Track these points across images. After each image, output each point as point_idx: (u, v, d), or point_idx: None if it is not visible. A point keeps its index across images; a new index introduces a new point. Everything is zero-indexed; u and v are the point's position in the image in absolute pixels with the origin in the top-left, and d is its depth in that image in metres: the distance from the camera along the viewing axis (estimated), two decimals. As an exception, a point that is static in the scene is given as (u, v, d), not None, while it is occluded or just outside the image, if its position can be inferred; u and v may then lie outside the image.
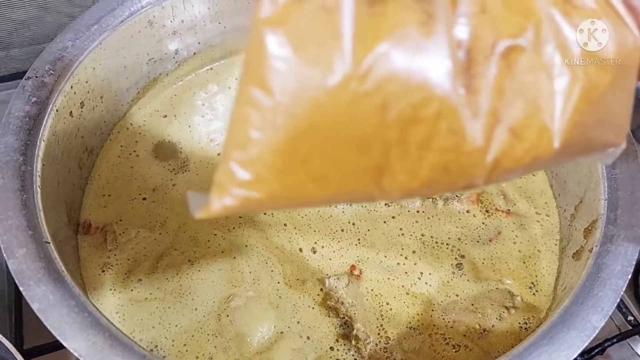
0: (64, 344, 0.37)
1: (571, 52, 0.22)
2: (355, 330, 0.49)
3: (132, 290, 0.50)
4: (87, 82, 0.53)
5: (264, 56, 0.20)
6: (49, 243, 0.42)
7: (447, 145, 0.22)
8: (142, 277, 0.51)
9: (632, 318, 0.59)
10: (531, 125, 0.23)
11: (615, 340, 0.56)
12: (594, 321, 0.40)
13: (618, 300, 0.41)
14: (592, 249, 0.45)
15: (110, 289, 0.50)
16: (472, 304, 0.51)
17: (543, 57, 0.22)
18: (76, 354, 0.37)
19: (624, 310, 0.59)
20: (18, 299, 0.55)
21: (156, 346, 0.47)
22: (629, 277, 0.42)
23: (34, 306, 0.38)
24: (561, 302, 0.43)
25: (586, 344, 0.39)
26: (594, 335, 0.40)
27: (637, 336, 0.63)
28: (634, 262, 0.43)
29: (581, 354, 0.56)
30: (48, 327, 0.38)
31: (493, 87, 0.22)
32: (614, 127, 0.26)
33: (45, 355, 0.50)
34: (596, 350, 0.57)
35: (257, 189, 0.22)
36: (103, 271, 0.51)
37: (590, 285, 0.42)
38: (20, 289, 0.39)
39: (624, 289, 0.42)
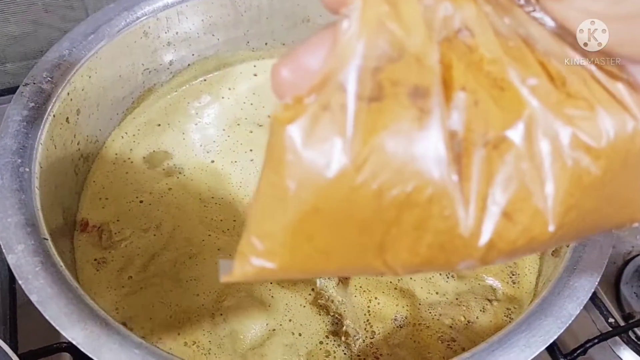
0: (63, 334, 0.40)
1: (560, 143, 0.24)
2: (344, 327, 0.51)
3: (123, 287, 0.53)
4: (83, 89, 0.56)
5: (280, 147, 0.23)
6: (47, 240, 0.44)
7: (441, 227, 0.24)
8: (132, 275, 0.54)
9: (612, 320, 0.62)
10: (523, 208, 0.24)
11: (596, 340, 0.58)
12: (570, 309, 0.43)
13: (593, 289, 0.43)
14: (569, 244, 0.48)
15: (103, 284, 0.53)
16: (457, 299, 0.53)
17: (534, 147, 0.24)
18: (74, 342, 0.39)
19: (605, 312, 0.61)
20: (13, 304, 0.57)
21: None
22: (604, 268, 0.45)
23: (33, 298, 0.41)
24: (540, 293, 0.45)
25: (562, 330, 0.42)
26: (570, 321, 0.42)
27: (619, 339, 0.66)
28: (608, 254, 0.46)
29: (564, 355, 0.59)
30: (47, 317, 0.40)
31: (484, 175, 0.24)
32: (631, 206, 0.27)
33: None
34: (578, 351, 0.59)
35: (271, 260, 0.25)
36: (97, 267, 0.54)
37: (567, 277, 0.45)
38: (20, 282, 0.41)
39: (598, 279, 0.44)
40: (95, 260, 0.54)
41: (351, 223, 0.24)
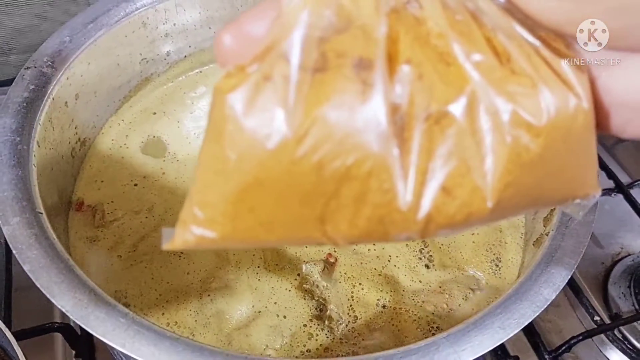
0: (53, 301, 0.42)
1: (500, 120, 0.24)
2: (328, 312, 0.53)
3: (112, 264, 0.56)
4: (82, 76, 0.58)
5: (221, 117, 0.24)
6: (42, 214, 0.47)
7: (380, 201, 0.24)
8: (122, 254, 0.56)
9: (598, 318, 0.64)
10: (462, 184, 0.24)
11: (581, 337, 0.60)
12: (546, 294, 0.44)
13: (569, 276, 0.45)
14: (548, 233, 0.50)
15: (94, 261, 0.55)
16: (440, 287, 0.55)
17: (475, 123, 0.24)
18: (64, 310, 0.41)
19: (590, 310, 0.63)
20: (9, 284, 0.60)
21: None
22: (581, 256, 0.47)
23: (26, 267, 0.43)
24: (518, 280, 0.47)
25: (537, 314, 0.43)
26: (545, 306, 0.43)
27: (606, 339, 0.68)
28: (586, 243, 0.47)
29: (549, 352, 0.60)
30: (38, 285, 0.42)
31: (424, 149, 0.24)
32: (572, 183, 0.27)
33: (32, 339, 0.55)
34: (563, 348, 0.61)
35: (212, 229, 0.25)
36: (89, 246, 0.56)
37: (545, 264, 0.47)
38: (14, 252, 0.43)
39: (575, 266, 0.46)
40: (87, 238, 0.57)
41: (292, 195, 0.24)
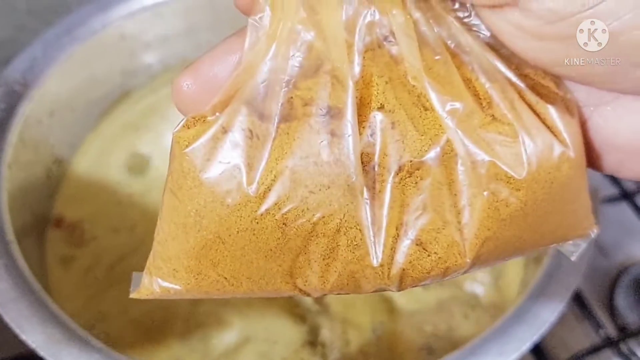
0: (22, 337, 0.40)
1: (477, 172, 0.23)
2: (320, 337, 0.52)
3: (90, 287, 0.54)
4: (57, 91, 0.57)
5: (178, 170, 0.23)
6: (12, 242, 0.45)
7: (350, 258, 0.23)
8: (98, 275, 0.55)
9: (605, 332, 0.62)
10: (439, 239, 0.24)
11: (586, 352, 0.59)
12: (545, 316, 0.43)
13: (569, 296, 0.44)
14: (547, 250, 0.48)
15: (72, 285, 0.54)
16: (438, 305, 0.54)
17: (451, 174, 0.23)
18: (34, 346, 0.40)
19: (596, 323, 0.62)
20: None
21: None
22: (581, 275, 0.45)
23: (-6, 301, 0.42)
24: (517, 300, 0.46)
25: (536, 337, 0.42)
26: (545, 329, 0.42)
27: (612, 352, 0.66)
28: (585, 262, 0.46)
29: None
30: (7, 320, 0.41)
31: (397, 202, 0.23)
32: (561, 228, 0.26)
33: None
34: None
35: (176, 283, 0.24)
36: (65, 267, 0.55)
37: (544, 283, 0.45)
38: (-19, 284, 0.42)
39: (575, 286, 0.44)
40: (64, 256, 0.56)
41: (256, 251, 0.23)
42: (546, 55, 0.23)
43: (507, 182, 0.23)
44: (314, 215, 0.23)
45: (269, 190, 0.22)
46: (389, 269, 0.23)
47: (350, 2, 0.22)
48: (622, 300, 0.69)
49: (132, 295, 0.25)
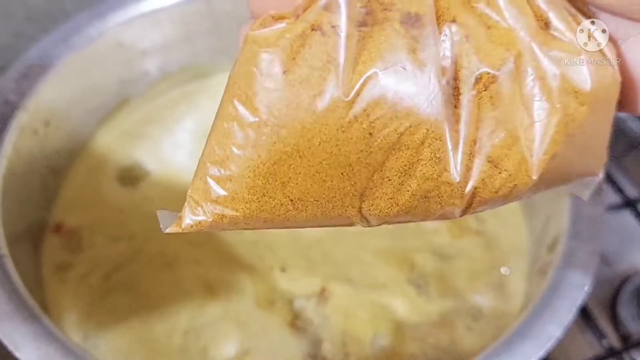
0: (16, 354, 0.39)
1: (549, 85, 0.23)
2: (322, 350, 0.51)
3: (87, 296, 0.53)
4: (53, 100, 0.56)
5: (254, 73, 0.21)
6: (6, 256, 0.44)
7: (429, 173, 0.23)
8: (93, 283, 0.54)
9: (608, 343, 0.61)
10: (510, 155, 0.23)
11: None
12: (550, 331, 0.42)
13: (575, 310, 0.43)
14: (552, 261, 0.47)
15: (69, 295, 0.53)
16: (441, 317, 0.53)
17: (523, 89, 0.23)
18: (28, 363, 0.39)
19: (599, 333, 0.61)
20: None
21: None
22: (587, 288, 0.44)
23: (-13, 317, 0.41)
24: (522, 314, 0.45)
25: (542, 353, 0.41)
26: (551, 344, 0.41)
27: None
28: (592, 274, 0.45)
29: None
30: (1, 337, 0.40)
31: (473, 117, 0.23)
32: (592, 158, 0.26)
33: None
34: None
35: (234, 208, 0.23)
36: (62, 276, 0.54)
37: (549, 297, 0.44)
38: (-26, 300, 0.41)
39: (580, 300, 0.44)
40: (60, 264, 0.55)
41: (334, 167, 0.22)
42: None
43: (575, 96, 0.23)
44: (401, 123, 0.22)
45: (358, 95, 0.21)
46: (464, 186, 0.23)
47: None
48: (625, 310, 0.68)
49: (169, 230, 0.24)
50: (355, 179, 0.23)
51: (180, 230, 0.23)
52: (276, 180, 0.22)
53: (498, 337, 0.51)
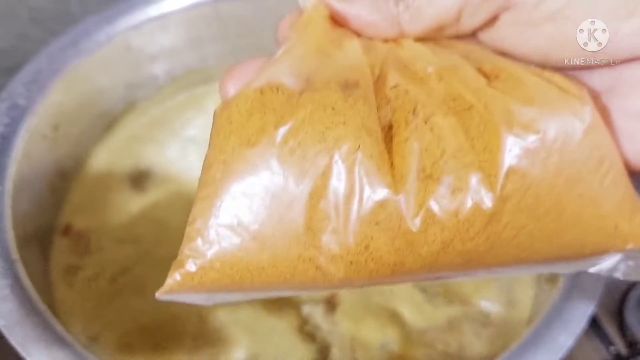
0: (28, 360, 0.39)
1: (490, 115, 0.25)
2: (331, 356, 0.51)
3: (94, 299, 0.54)
4: (61, 105, 0.56)
5: (217, 131, 0.26)
6: (17, 261, 0.44)
7: (368, 194, 0.24)
8: (100, 286, 0.54)
9: (614, 349, 0.61)
10: (460, 175, 0.24)
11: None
12: (562, 340, 0.42)
13: (586, 320, 0.43)
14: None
15: (77, 299, 0.53)
16: (449, 323, 0.53)
17: (465, 121, 0.25)
18: (40, 369, 0.39)
19: (606, 339, 0.61)
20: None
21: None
22: (598, 297, 0.44)
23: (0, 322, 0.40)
24: (532, 323, 0.45)
25: (554, 363, 0.41)
26: (562, 353, 0.41)
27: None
28: (602, 283, 0.45)
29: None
30: (13, 343, 0.40)
31: (414, 145, 0.25)
32: (593, 230, 0.25)
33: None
34: (579, 382, 0.58)
35: (202, 256, 0.25)
36: (69, 279, 0.54)
37: (560, 307, 0.44)
38: (-15, 305, 0.41)
39: (592, 308, 0.43)
40: (68, 266, 0.55)
41: (278, 198, 0.24)
42: (544, 39, 0.25)
43: (525, 127, 0.24)
44: (330, 147, 0.24)
45: (290, 130, 0.24)
46: (411, 206, 0.24)
47: (369, 45, 0.27)
48: (632, 316, 0.68)
49: (157, 294, 0.27)
50: (301, 208, 0.25)
51: (165, 292, 0.27)
52: (231, 218, 0.25)
53: (507, 344, 0.51)
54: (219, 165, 0.25)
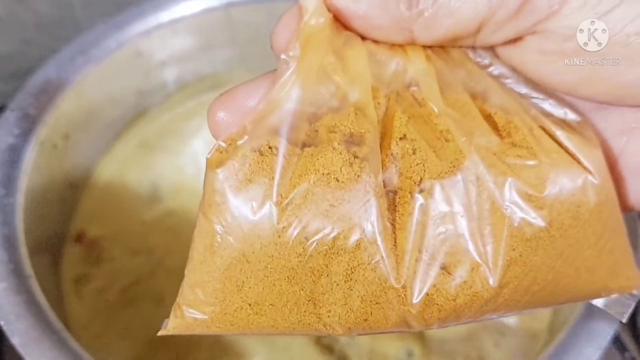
0: (45, 380, 0.38)
1: (498, 193, 0.24)
2: (348, 368, 0.50)
3: (103, 310, 0.53)
4: (71, 114, 0.55)
5: (209, 190, 0.24)
6: (31, 277, 0.43)
7: (371, 277, 0.24)
8: (109, 298, 0.54)
9: (629, 356, 0.61)
10: (462, 261, 0.24)
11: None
12: (588, 354, 0.41)
13: (612, 332, 0.42)
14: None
15: (85, 306, 0.53)
16: (468, 333, 0.52)
17: (470, 197, 0.24)
18: (57, 390, 0.38)
19: (620, 345, 0.60)
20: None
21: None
22: (631, 308, 0.43)
23: (15, 340, 0.40)
24: (557, 335, 0.44)
25: (580, 377, 0.40)
26: (588, 367, 0.41)
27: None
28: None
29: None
30: (28, 361, 0.39)
31: (419, 225, 0.24)
32: (598, 271, 0.25)
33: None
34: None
35: (202, 311, 0.25)
36: (79, 285, 0.54)
37: (585, 319, 0.43)
38: (1, 323, 0.40)
39: (617, 324, 0.43)
40: (79, 275, 0.54)
41: (279, 270, 0.24)
42: (573, 74, 0.24)
43: (529, 199, 0.24)
44: (333, 228, 0.23)
45: (291, 202, 0.23)
46: (411, 292, 0.24)
47: (376, 54, 0.24)
48: (647, 321, 0.68)
49: (160, 334, 0.26)
50: (302, 283, 0.24)
51: (167, 333, 0.25)
52: (232, 285, 0.24)
53: (527, 354, 0.50)
54: (216, 236, 0.24)
